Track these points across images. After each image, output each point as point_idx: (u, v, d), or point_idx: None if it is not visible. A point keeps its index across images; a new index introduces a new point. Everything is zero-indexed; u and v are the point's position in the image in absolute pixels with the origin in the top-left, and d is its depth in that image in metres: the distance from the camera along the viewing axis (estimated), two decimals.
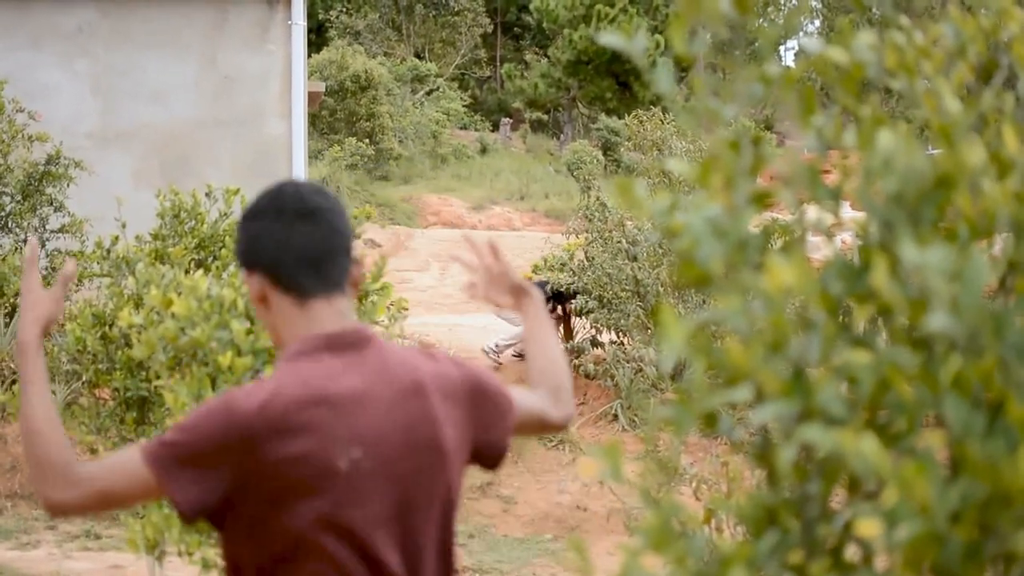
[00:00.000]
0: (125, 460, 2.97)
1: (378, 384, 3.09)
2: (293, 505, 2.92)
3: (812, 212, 1.90)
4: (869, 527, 1.58)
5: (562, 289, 16.45)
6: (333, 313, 3.15)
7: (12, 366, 13.00)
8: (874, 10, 2.05)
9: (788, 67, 1.98)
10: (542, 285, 16.69)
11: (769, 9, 68.83)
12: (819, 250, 2.12)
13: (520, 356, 16.64)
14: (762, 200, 1.82)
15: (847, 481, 1.79)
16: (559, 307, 16.90)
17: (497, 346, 16.80)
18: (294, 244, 3.15)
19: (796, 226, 1.85)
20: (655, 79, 1.96)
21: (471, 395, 3.25)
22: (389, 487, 3.03)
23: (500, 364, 16.45)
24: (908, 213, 1.70)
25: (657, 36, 45.46)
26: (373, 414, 3.05)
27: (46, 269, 13.78)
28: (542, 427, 3.53)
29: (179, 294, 5.74)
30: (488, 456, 3.30)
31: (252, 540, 2.98)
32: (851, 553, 1.79)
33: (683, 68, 34.45)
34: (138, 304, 7.67)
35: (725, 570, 1.74)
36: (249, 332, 5.35)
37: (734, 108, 1.93)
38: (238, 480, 2.90)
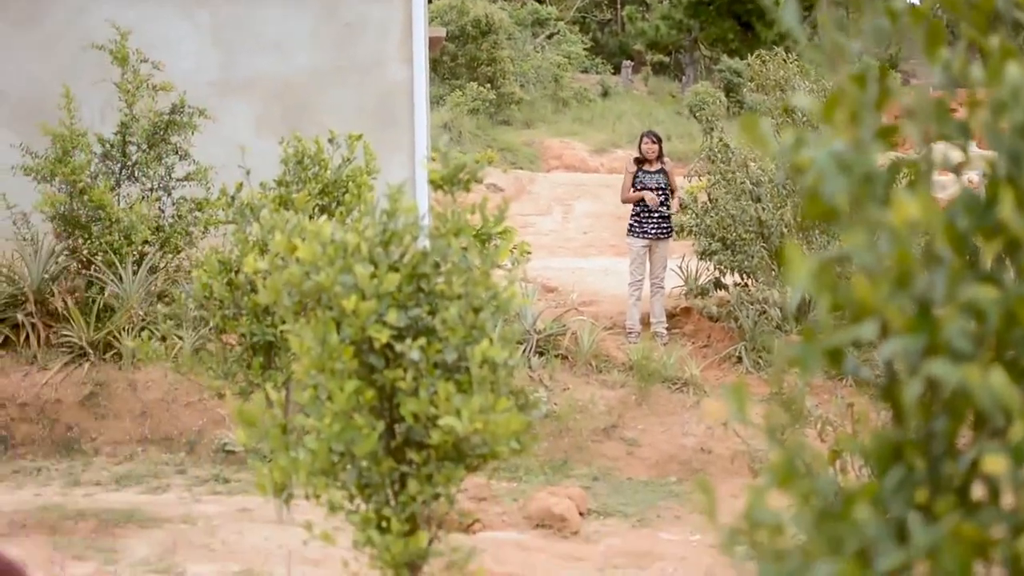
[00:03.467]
0: None
1: None
2: None
3: (939, 149, 1.87)
4: (995, 463, 1.57)
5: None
6: None
7: (141, 312, 13.20)
8: None
9: (915, 4, 1.96)
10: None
11: None
12: (945, 190, 2.10)
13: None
14: (888, 135, 1.80)
15: (972, 419, 1.77)
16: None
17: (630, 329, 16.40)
18: None
19: (922, 162, 1.83)
20: (781, 15, 1.94)
21: None
22: None
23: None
24: None
25: None
26: None
27: (172, 217, 13.94)
28: None
29: (303, 239, 5.78)
30: None
31: None
32: (977, 492, 1.77)
33: (808, 6, 34.09)
34: (263, 250, 7.75)
35: (850, 508, 1.73)
36: (373, 276, 5.39)
37: (860, 44, 1.91)
38: None
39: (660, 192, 15.95)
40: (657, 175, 16.01)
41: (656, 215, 15.96)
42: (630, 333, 15.91)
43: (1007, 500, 1.70)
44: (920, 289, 1.67)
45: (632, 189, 16.09)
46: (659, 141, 16.31)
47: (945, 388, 1.71)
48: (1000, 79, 1.75)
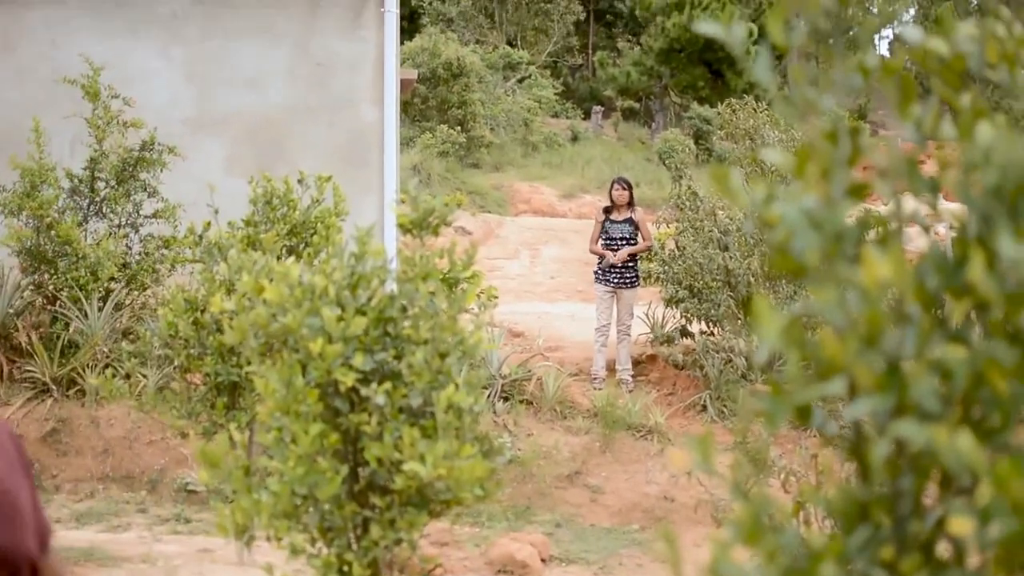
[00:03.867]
0: None
1: None
2: None
3: (908, 203, 1.88)
4: (961, 524, 1.56)
5: None
6: None
7: (106, 350, 13.14)
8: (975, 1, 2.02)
9: (886, 57, 1.97)
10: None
11: None
12: (912, 242, 2.10)
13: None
14: (859, 192, 1.80)
15: (939, 477, 1.77)
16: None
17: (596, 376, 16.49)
18: None
19: (893, 218, 1.83)
20: (753, 67, 1.94)
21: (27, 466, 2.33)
22: None
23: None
24: (1007, 207, 1.68)
25: (751, 25, 45.20)
26: None
27: (139, 254, 13.91)
28: None
29: (271, 280, 5.77)
30: None
31: None
32: (942, 550, 1.77)
33: (778, 56, 34.29)
34: (230, 290, 7.74)
35: (815, 565, 1.73)
36: (340, 319, 5.37)
37: (832, 97, 1.91)
38: None
39: (624, 242, 16.01)
40: (623, 224, 16.06)
41: (620, 265, 16.02)
42: (595, 379, 15.93)
43: (972, 560, 1.70)
44: (889, 347, 1.67)
45: (600, 238, 16.14)
46: (630, 187, 16.36)
47: (912, 447, 1.71)
48: (971, 138, 1.76)
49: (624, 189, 16.25)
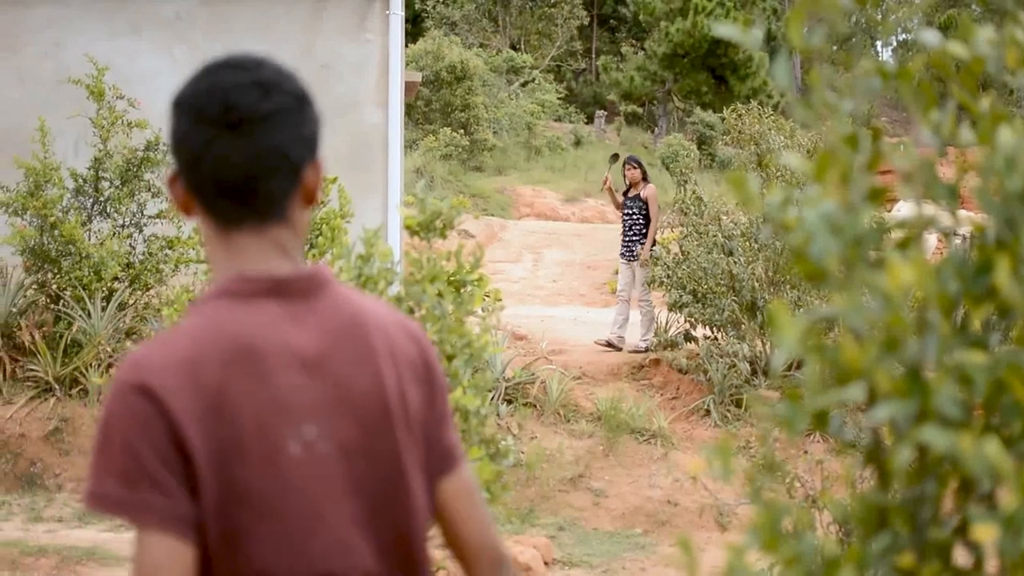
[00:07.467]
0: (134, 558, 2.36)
1: (333, 341, 2.42)
2: (234, 506, 2.29)
3: (926, 208, 1.86)
4: (985, 531, 1.55)
5: None
6: (265, 248, 2.45)
7: (109, 349, 13.13)
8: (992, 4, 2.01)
9: (904, 62, 1.95)
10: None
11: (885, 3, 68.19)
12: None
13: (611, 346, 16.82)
14: (878, 196, 1.79)
15: (957, 484, 1.76)
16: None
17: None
18: (210, 161, 2.41)
19: (914, 223, 1.82)
20: (773, 71, 1.93)
21: (429, 378, 2.60)
22: (353, 479, 2.40)
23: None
24: None
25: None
26: (327, 380, 2.38)
27: (143, 254, 13.90)
28: (457, 538, 2.64)
29: None
30: (434, 458, 2.58)
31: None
32: (959, 557, 1.76)
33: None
34: None
35: (833, 572, 1.72)
36: None
37: (850, 102, 1.90)
38: (183, 471, 2.27)
39: (630, 219, 17.03)
40: (632, 200, 17.06)
41: (625, 239, 17.11)
42: (611, 342, 17.02)
43: (991, 567, 1.69)
44: (910, 353, 1.66)
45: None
46: (640, 165, 17.27)
47: (933, 453, 1.69)
48: (992, 143, 1.74)
49: (634, 168, 17.13)
